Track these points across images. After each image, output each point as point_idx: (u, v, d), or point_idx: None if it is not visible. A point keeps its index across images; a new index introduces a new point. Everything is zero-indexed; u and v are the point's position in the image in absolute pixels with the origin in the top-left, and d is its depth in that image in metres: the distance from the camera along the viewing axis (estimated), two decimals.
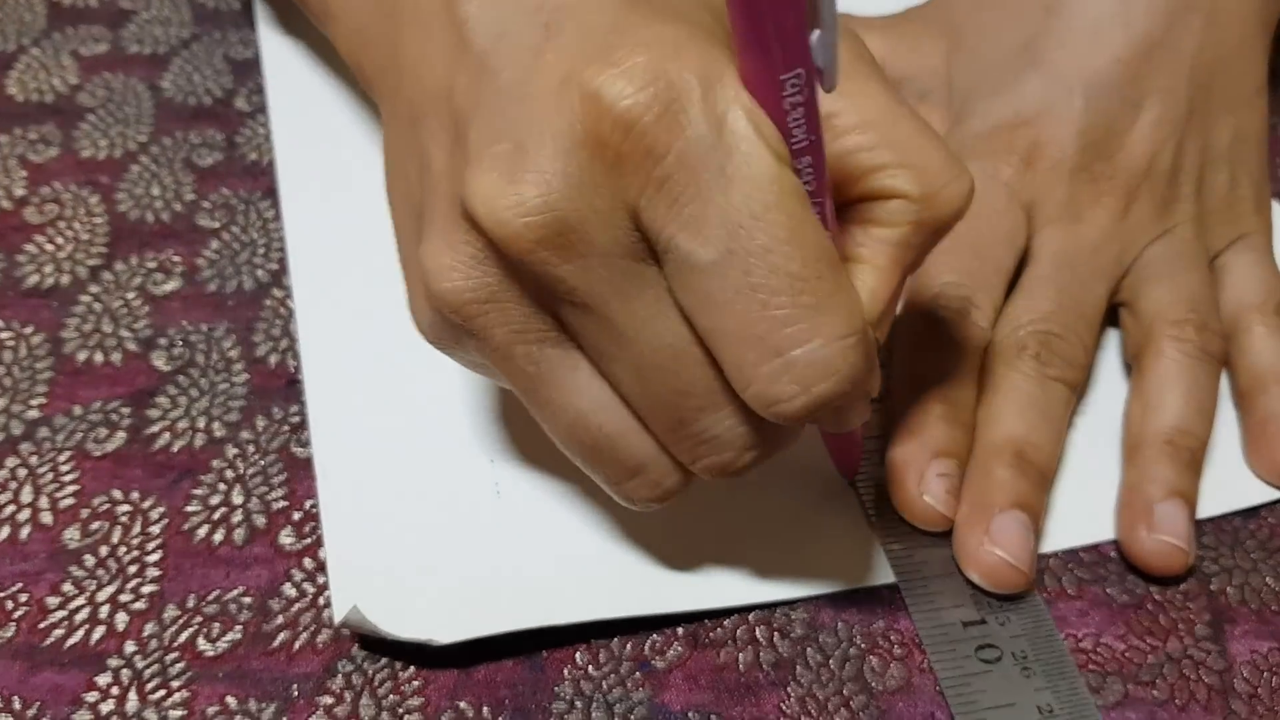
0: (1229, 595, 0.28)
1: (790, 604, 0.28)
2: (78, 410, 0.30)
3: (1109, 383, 0.32)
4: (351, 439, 0.29)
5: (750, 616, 0.27)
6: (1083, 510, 0.30)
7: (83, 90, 0.39)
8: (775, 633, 0.27)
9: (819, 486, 0.30)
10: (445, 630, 0.25)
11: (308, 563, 0.28)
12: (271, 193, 0.36)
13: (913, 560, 0.28)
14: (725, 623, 0.27)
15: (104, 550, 0.28)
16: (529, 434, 0.30)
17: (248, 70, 0.40)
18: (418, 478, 0.29)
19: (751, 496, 0.29)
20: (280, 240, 0.35)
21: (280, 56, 0.39)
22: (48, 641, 0.26)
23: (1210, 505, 0.30)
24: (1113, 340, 0.33)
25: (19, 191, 0.35)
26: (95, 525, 0.28)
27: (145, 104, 0.39)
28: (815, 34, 0.19)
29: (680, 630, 0.27)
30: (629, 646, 0.27)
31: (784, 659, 0.27)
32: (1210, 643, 0.27)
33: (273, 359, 0.32)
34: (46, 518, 0.28)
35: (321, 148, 0.36)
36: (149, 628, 0.26)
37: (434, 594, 0.26)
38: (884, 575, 0.28)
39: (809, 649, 0.27)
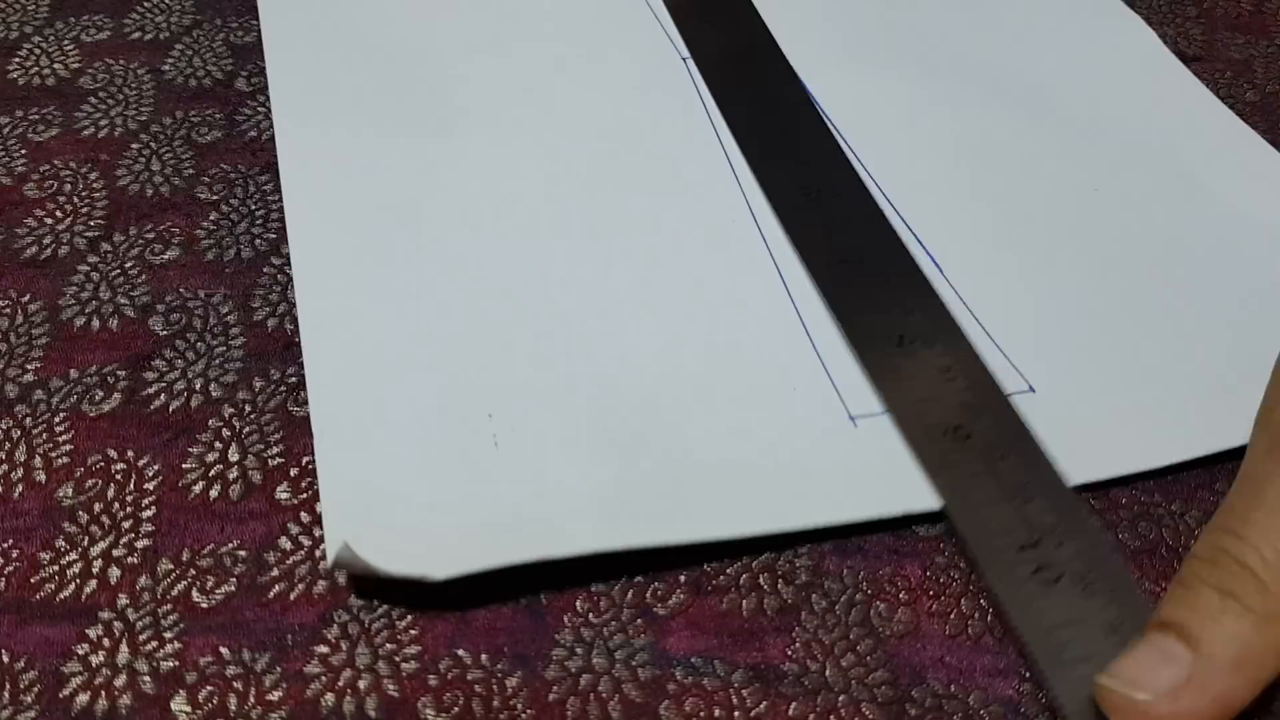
0: None
1: (795, 550, 0.27)
2: (74, 373, 0.30)
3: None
4: (348, 395, 0.29)
5: (754, 564, 0.27)
6: (1101, 444, 0.29)
7: (84, 74, 0.39)
8: (779, 579, 0.26)
9: (837, 414, 0.30)
10: (441, 565, 0.25)
11: (304, 516, 0.27)
12: (270, 167, 0.36)
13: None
14: (728, 570, 0.27)
15: (98, 507, 0.27)
16: (528, 387, 0.30)
17: (248, 53, 0.40)
18: (414, 431, 0.28)
19: (764, 424, 0.29)
20: (279, 211, 0.34)
21: (282, 33, 0.39)
22: (38, 596, 0.26)
23: (1223, 438, 0.29)
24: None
25: (19, 169, 0.35)
26: (90, 483, 0.28)
27: (146, 86, 0.39)
28: None
29: (682, 578, 0.26)
30: (630, 594, 0.26)
31: (788, 605, 0.26)
32: None
33: (270, 323, 0.32)
34: (40, 476, 0.28)
35: (321, 122, 0.37)
36: (142, 581, 0.26)
37: (429, 533, 0.26)
38: (919, 502, 0.28)
39: (814, 595, 0.26)
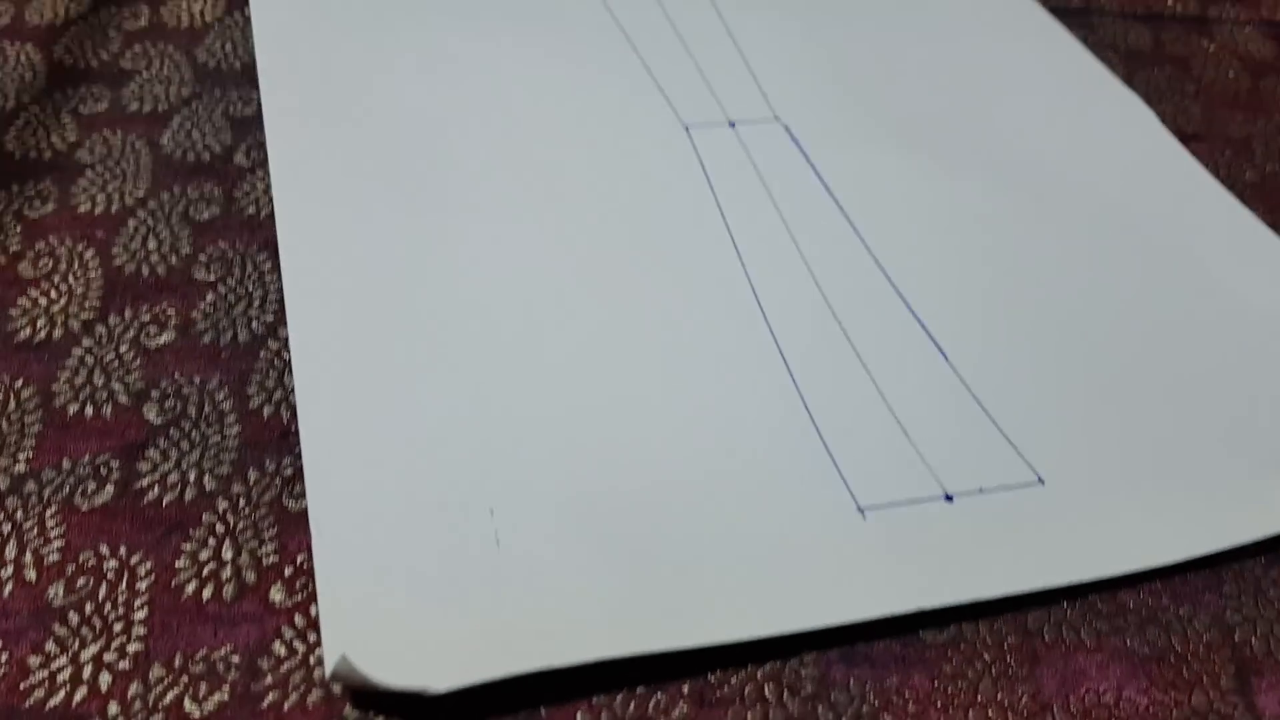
0: (1254, 647, 0.27)
1: (800, 658, 0.26)
2: (66, 464, 0.30)
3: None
4: (347, 489, 0.29)
5: (758, 673, 0.26)
6: (1108, 539, 0.29)
7: (81, 147, 0.39)
8: (785, 690, 0.26)
9: (846, 506, 0.29)
10: (441, 677, 0.24)
11: (299, 619, 0.27)
12: (269, 245, 0.36)
13: None
14: (732, 680, 0.26)
15: (89, 608, 0.27)
16: (530, 483, 0.29)
17: (247, 127, 0.40)
18: (415, 529, 0.28)
19: (771, 519, 0.29)
20: (277, 292, 0.34)
21: (282, 107, 0.39)
22: (28, 703, 0.25)
23: (1231, 533, 0.29)
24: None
25: (14, 246, 0.35)
26: (81, 581, 0.27)
27: (144, 160, 0.38)
28: None
29: (685, 689, 0.26)
30: (632, 706, 0.26)
31: (794, 717, 0.26)
32: (1236, 696, 0.26)
33: (266, 410, 0.31)
34: (30, 574, 0.27)
35: (321, 201, 0.36)
36: (134, 688, 0.25)
37: (429, 643, 0.25)
38: (931, 598, 0.27)
39: (820, 706, 0.26)
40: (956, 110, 0.43)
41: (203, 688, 0.25)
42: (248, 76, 0.42)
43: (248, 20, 0.44)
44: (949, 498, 0.30)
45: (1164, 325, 0.35)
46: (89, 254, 0.35)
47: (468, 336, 0.33)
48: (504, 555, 0.27)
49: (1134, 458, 0.31)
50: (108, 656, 0.26)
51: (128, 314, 0.33)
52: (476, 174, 0.38)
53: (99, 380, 0.32)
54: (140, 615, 0.27)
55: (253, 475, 0.30)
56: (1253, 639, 0.28)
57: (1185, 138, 0.43)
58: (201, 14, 0.45)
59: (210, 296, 0.34)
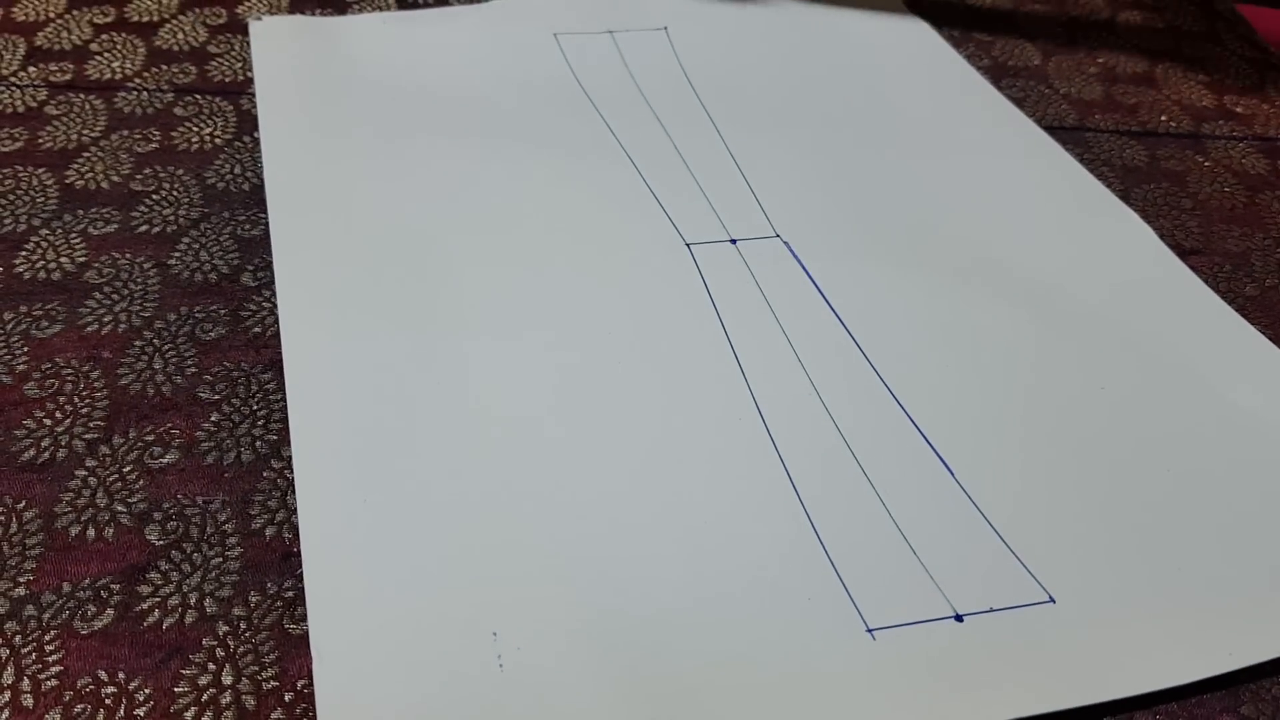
0: None
1: None
2: (66, 587, 0.29)
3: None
4: (348, 612, 0.28)
5: None
6: (1122, 659, 0.28)
7: (90, 268, 0.39)
8: None
9: (854, 626, 0.29)
10: None
11: None
12: (274, 364, 0.36)
13: None
14: None
15: None
16: (534, 604, 0.29)
17: (255, 247, 0.40)
18: (417, 653, 0.28)
19: (777, 640, 0.28)
20: (281, 411, 0.34)
21: (289, 230, 0.40)
22: None
23: (1246, 653, 0.29)
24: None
25: (21, 367, 0.35)
26: (79, 709, 0.27)
27: (152, 281, 0.39)
28: None
29: None
30: None
31: None
32: None
33: (269, 531, 0.31)
34: (28, 700, 0.27)
35: (326, 321, 0.36)
36: None
37: None
38: None
39: None
40: (955, 227, 0.43)
41: None
42: (256, 197, 0.42)
43: (256, 143, 0.45)
44: (959, 618, 0.29)
45: (1169, 440, 0.35)
46: (95, 374, 0.35)
47: (471, 457, 0.33)
48: (507, 677, 0.27)
49: (1145, 575, 0.31)
50: None
51: (132, 434, 0.33)
52: (480, 292, 0.38)
53: (102, 501, 0.31)
54: None
55: (254, 598, 0.29)
56: None
57: (1184, 253, 0.44)
58: (212, 137, 0.46)
59: (215, 416, 0.34)
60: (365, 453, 0.32)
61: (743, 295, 0.39)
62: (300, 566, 0.30)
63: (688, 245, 0.41)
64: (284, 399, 0.34)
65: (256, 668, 0.28)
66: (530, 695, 0.27)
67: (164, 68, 0.50)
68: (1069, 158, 0.47)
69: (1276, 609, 0.30)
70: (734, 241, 0.41)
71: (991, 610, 0.30)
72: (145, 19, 0.54)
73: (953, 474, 0.33)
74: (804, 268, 0.40)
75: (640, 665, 0.27)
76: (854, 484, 0.33)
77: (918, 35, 0.56)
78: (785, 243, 0.41)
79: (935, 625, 0.29)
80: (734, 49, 0.54)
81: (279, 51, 0.50)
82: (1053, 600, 0.30)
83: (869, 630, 0.29)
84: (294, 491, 0.31)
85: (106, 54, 0.51)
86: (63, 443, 0.33)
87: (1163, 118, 0.53)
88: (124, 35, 0.52)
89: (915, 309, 0.39)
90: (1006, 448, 0.34)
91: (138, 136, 0.46)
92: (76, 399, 0.34)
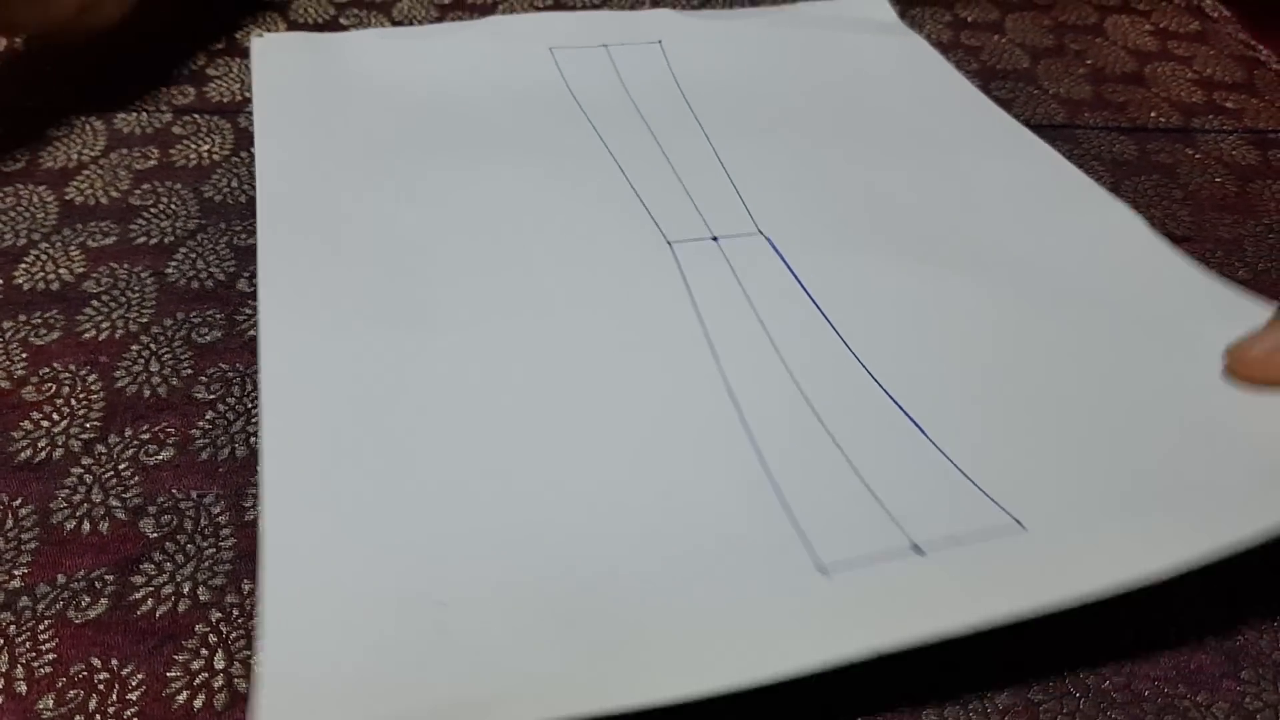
0: None
1: None
2: (61, 579, 0.29)
3: None
4: (299, 587, 0.28)
5: None
6: (1095, 564, 0.28)
7: (88, 278, 0.39)
8: None
9: (803, 563, 0.29)
10: None
11: None
12: None
13: None
14: None
15: None
16: (484, 572, 0.29)
17: (250, 255, 0.41)
18: (365, 624, 0.27)
19: (728, 578, 0.28)
20: None
21: (276, 235, 0.40)
22: None
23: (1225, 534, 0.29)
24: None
25: (19, 372, 0.36)
26: (72, 694, 0.27)
27: (149, 289, 0.39)
28: None
29: None
30: None
31: None
32: None
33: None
34: (21, 686, 0.27)
35: (306, 316, 0.36)
36: None
37: None
38: (867, 643, 0.26)
39: None
40: (940, 222, 0.43)
41: None
42: (253, 208, 0.43)
43: (254, 158, 0.46)
44: (919, 549, 0.29)
45: (1132, 369, 0.36)
46: (92, 377, 0.35)
47: (441, 443, 0.32)
48: (454, 642, 0.27)
49: (1112, 491, 0.31)
50: None
51: (128, 433, 0.34)
52: (459, 289, 0.38)
53: (97, 497, 0.32)
54: None
55: (246, 586, 0.29)
56: None
57: (1175, 240, 0.43)
58: (210, 153, 0.46)
59: (209, 414, 0.34)
60: (333, 436, 0.32)
61: (723, 289, 0.39)
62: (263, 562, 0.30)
63: (669, 243, 0.41)
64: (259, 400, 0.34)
65: (249, 652, 0.28)
66: (475, 646, 0.27)
67: (163, 90, 0.51)
68: (1057, 155, 0.48)
69: (1246, 498, 0.30)
70: (715, 239, 0.42)
71: (955, 540, 0.30)
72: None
73: (923, 430, 0.33)
74: (785, 261, 0.40)
75: (593, 624, 0.27)
76: (811, 434, 0.33)
77: (910, 45, 0.56)
78: (767, 238, 0.42)
79: (894, 559, 0.29)
80: (726, 60, 0.54)
81: (278, 65, 0.50)
82: (1023, 526, 0.30)
83: (823, 569, 0.29)
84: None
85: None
86: (59, 443, 0.33)
87: (1152, 114, 0.53)
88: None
89: (893, 289, 0.39)
90: (981, 415, 0.34)
91: (137, 154, 0.46)
92: (74, 401, 0.35)
